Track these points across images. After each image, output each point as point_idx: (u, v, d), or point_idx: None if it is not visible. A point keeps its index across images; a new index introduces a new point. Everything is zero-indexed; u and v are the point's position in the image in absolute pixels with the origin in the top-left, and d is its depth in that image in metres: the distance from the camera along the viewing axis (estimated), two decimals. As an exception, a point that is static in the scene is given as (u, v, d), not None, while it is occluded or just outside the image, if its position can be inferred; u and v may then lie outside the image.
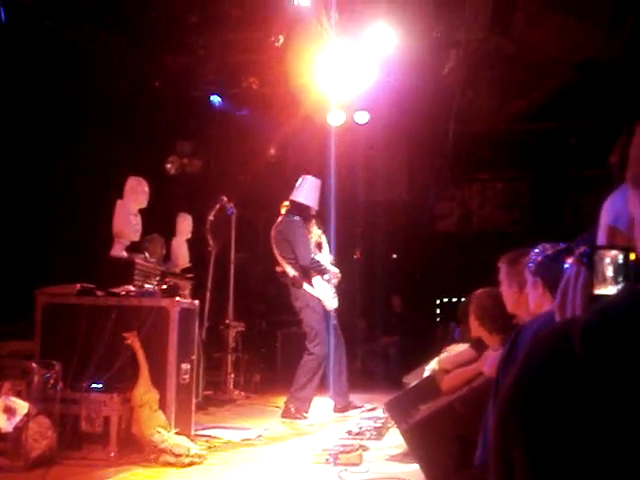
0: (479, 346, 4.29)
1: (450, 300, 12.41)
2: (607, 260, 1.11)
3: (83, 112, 8.20)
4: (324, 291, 6.94)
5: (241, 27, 8.50)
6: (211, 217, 8.07)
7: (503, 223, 12.55)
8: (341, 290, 7.27)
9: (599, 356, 0.80)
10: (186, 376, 5.39)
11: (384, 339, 11.24)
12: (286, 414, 6.65)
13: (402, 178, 12.44)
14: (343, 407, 7.15)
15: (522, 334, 2.41)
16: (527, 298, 2.78)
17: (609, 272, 1.11)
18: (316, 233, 7.17)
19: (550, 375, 0.82)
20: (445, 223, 12.90)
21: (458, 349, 4.88)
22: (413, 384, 5.17)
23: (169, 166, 10.36)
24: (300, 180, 7.16)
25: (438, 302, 12.95)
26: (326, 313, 6.94)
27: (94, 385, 4.92)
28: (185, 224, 8.24)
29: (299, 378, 6.74)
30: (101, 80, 8.34)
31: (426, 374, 4.95)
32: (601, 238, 1.69)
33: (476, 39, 8.41)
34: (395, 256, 12.95)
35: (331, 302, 6.98)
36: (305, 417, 6.65)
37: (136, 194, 6.34)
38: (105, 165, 8.18)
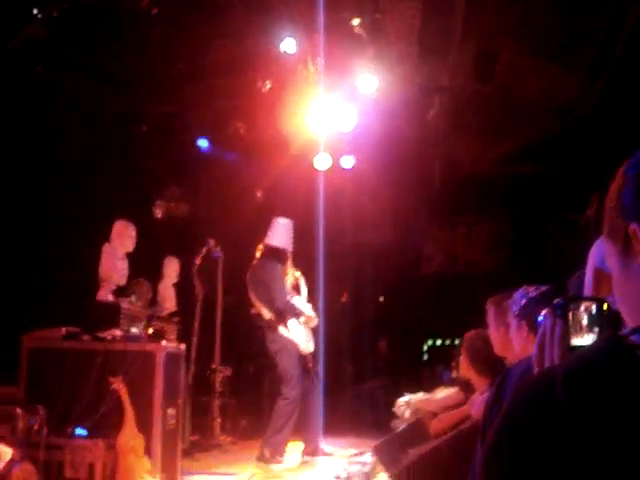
0: (467, 389, 4.28)
1: (437, 343, 12.38)
2: (581, 310, 1.14)
3: (70, 156, 8.23)
4: (299, 334, 6.92)
5: (228, 73, 8.61)
6: (198, 261, 8.07)
7: (488, 265, 12.59)
8: (328, 333, 7.26)
9: (582, 402, 0.81)
10: (172, 421, 5.35)
11: (371, 383, 11.18)
12: (261, 458, 6.60)
13: (388, 221, 12.51)
14: (313, 450, 7.09)
15: (508, 377, 2.41)
16: (514, 340, 2.79)
17: (584, 322, 1.13)
18: (292, 275, 7.17)
19: (533, 423, 0.83)
20: (431, 266, 12.93)
21: (445, 392, 4.87)
22: (401, 428, 5.14)
23: (156, 210, 10.37)
24: (272, 223, 7.21)
25: (425, 345, 12.91)
26: (301, 357, 6.93)
27: (79, 431, 4.87)
28: (172, 268, 8.23)
29: (274, 423, 6.71)
30: (88, 125, 8.39)
31: (401, 409, 4.93)
32: (588, 280, 1.72)
33: (460, 85, 8.56)
34: (382, 299, 12.94)
35: (306, 346, 6.96)
36: (280, 461, 6.60)
37: (123, 238, 6.35)
38: (92, 209, 8.18)
